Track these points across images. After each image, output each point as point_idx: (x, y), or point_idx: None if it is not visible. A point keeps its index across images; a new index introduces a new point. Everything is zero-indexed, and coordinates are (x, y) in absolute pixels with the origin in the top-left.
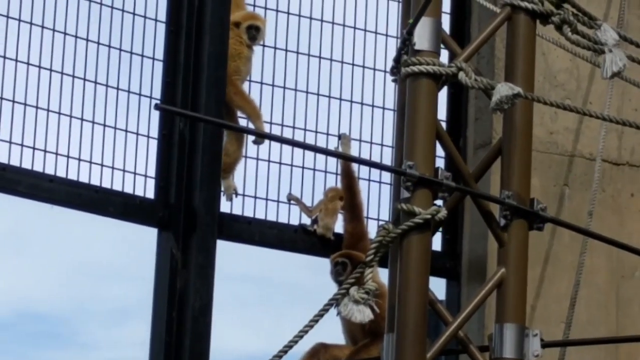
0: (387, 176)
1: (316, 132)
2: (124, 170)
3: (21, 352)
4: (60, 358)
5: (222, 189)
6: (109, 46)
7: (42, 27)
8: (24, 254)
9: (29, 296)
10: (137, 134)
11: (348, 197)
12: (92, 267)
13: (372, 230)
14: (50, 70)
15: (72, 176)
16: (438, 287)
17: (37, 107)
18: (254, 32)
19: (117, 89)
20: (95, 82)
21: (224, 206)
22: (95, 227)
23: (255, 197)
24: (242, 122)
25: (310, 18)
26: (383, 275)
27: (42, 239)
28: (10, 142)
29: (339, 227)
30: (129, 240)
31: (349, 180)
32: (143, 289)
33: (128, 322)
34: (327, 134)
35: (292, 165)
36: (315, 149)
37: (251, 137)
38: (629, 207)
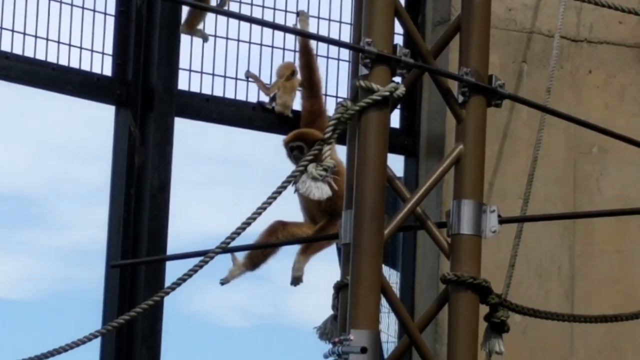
0: (345, 53)
1: (274, 9)
2: (81, 48)
3: None
4: (33, 237)
5: (201, 37)
6: None
7: None
8: None
9: None
10: (94, 10)
11: (306, 74)
12: (53, 146)
13: (330, 108)
14: None
15: (29, 53)
16: (396, 164)
17: None
18: None
19: None
20: None
21: (182, 83)
22: (52, 105)
23: (213, 75)
24: None
25: None
26: (341, 153)
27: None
28: None
29: (297, 104)
30: (86, 118)
31: (307, 58)
32: (105, 168)
33: (96, 202)
34: (285, 11)
35: (250, 43)
36: (273, 26)
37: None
38: (587, 84)
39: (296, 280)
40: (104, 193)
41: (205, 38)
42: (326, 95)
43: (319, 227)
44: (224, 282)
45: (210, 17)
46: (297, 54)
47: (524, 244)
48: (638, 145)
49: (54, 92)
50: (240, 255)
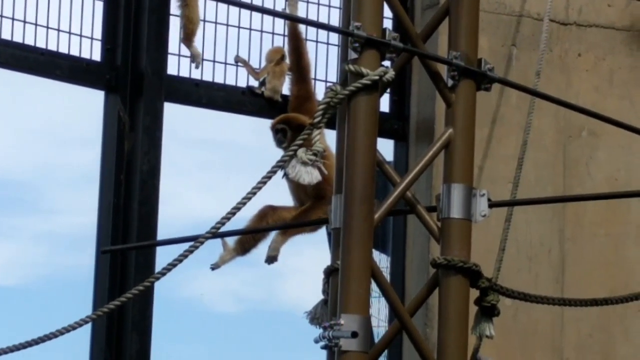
0: (334, 37)
1: None
2: (70, 33)
3: None
4: (23, 223)
5: (191, 56)
6: None
7: None
8: None
9: None
10: None
11: (295, 59)
12: (42, 132)
13: (320, 92)
14: None
15: (18, 39)
16: (386, 148)
17: None
18: None
19: None
20: None
21: (171, 68)
22: (41, 91)
23: (202, 59)
24: None
25: None
26: (330, 137)
27: None
28: None
29: (287, 89)
30: (76, 103)
31: (296, 42)
32: (95, 153)
33: (86, 187)
34: None
35: (239, 27)
36: (262, 10)
37: None
38: (576, 67)
39: (271, 259)
40: (93, 178)
41: (198, 64)
42: (315, 79)
43: (302, 210)
44: (214, 267)
45: (199, 1)
46: (287, 39)
47: (514, 227)
48: (627, 128)
49: (43, 77)
50: (231, 241)
